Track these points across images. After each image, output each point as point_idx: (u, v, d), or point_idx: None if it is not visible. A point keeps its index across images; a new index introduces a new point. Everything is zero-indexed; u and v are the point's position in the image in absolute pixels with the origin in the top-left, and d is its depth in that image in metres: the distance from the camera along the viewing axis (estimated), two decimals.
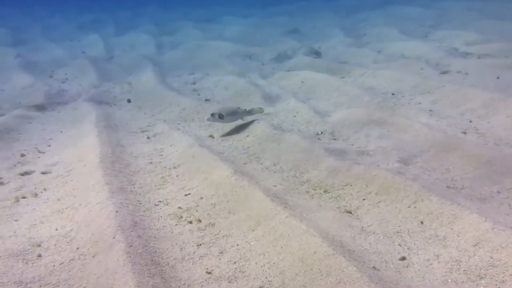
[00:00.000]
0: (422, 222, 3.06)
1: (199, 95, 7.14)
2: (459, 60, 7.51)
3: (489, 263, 2.55)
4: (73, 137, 5.08)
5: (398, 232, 3.03)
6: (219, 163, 4.11)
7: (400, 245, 2.89)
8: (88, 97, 6.83)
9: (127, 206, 3.33)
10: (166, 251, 2.90)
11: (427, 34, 10.56)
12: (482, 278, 2.48)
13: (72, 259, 2.82)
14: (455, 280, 2.51)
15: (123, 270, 2.50)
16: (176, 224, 3.30)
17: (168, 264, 2.76)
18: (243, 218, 3.26)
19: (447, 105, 5.58)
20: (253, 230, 3.10)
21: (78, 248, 2.92)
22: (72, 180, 3.91)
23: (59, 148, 4.80)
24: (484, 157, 3.91)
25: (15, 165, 4.31)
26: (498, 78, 6.36)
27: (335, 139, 4.98)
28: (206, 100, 6.77)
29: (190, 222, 3.33)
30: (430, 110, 5.47)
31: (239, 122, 5.44)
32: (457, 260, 2.65)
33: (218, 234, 3.15)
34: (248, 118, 5.52)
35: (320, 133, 5.20)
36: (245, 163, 4.44)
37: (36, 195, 3.70)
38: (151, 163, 4.46)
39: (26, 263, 2.82)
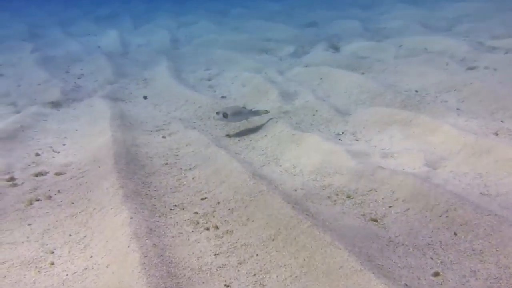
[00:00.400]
0: (455, 234, 2.86)
1: (215, 91, 6.99)
2: (486, 55, 7.18)
3: None
4: (88, 136, 4.98)
5: (429, 244, 2.83)
6: (237, 165, 3.95)
7: (432, 258, 2.70)
8: (104, 93, 6.74)
9: (142, 212, 3.21)
10: (182, 261, 2.77)
11: (451, 27, 10.18)
12: None
13: (86, 268, 2.71)
14: None
15: (138, 284, 2.37)
16: (192, 231, 3.17)
17: (184, 275, 2.62)
18: (263, 226, 3.10)
19: (475, 104, 5.31)
20: (273, 240, 2.94)
21: (91, 256, 2.81)
22: (86, 182, 3.81)
23: (73, 148, 4.71)
24: None
25: (29, 165, 4.23)
26: None
27: (357, 140, 4.77)
28: (222, 97, 6.61)
29: (207, 229, 3.19)
30: (457, 109, 5.21)
31: (257, 121, 5.28)
32: (496, 278, 2.45)
33: (237, 242, 3.00)
34: (255, 119, 5.34)
35: (341, 133, 5.00)
36: (263, 165, 4.28)
37: (50, 197, 3.60)
38: (166, 164, 4.33)
39: (38, 271, 2.71)
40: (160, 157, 4.49)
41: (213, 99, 6.19)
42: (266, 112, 5.32)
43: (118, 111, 5.69)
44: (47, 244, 2.97)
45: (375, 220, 3.19)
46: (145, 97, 6.77)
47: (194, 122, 5.56)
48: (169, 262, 2.69)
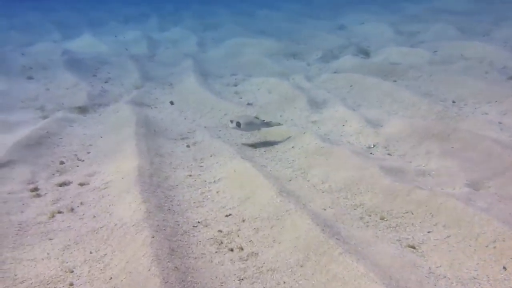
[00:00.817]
0: (505, 268, 2.60)
1: (241, 98, 6.84)
2: None
3: None
4: (112, 144, 4.92)
5: (475, 278, 2.58)
6: (263, 180, 3.78)
7: None
8: (129, 98, 6.70)
9: (164, 229, 3.08)
10: (205, 286, 2.61)
11: (489, 32, 9.71)
12: None
13: None
14: None
15: None
16: (216, 252, 3.01)
17: None
18: (290, 250, 2.91)
19: None
20: (301, 266, 2.75)
21: (111, 278, 2.69)
22: (109, 195, 3.72)
23: (98, 156, 4.64)
24: None
25: (53, 174, 4.18)
26: None
27: (390, 155, 4.52)
28: (248, 104, 6.45)
29: (231, 250, 3.03)
30: (499, 123, 4.87)
31: (284, 131, 5.09)
32: None
33: (262, 267, 2.83)
34: (282, 128, 5.16)
35: (372, 146, 4.75)
36: (290, 180, 4.09)
37: (72, 209, 3.53)
38: (190, 176, 4.20)
39: None
40: (184, 168, 4.37)
41: (239, 106, 6.04)
42: (279, 124, 5.10)
43: (143, 117, 5.61)
44: (67, 262, 2.87)
45: (413, 247, 2.95)
46: (171, 103, 6.69)
47: (219, 131, 5.43)
48: None
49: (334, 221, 3.30)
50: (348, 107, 5.84)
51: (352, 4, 16.83)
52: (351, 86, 6.87)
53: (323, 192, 3.83)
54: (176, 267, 2.67)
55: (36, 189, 3.82)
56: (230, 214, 3.49)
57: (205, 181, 4.11)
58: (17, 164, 4.19)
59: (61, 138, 5.10)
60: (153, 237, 2.90)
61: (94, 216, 3.42)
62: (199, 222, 3.38)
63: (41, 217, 3.40)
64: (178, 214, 3.45)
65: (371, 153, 4.56)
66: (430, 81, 6.75)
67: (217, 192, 3.88)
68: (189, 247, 3.02)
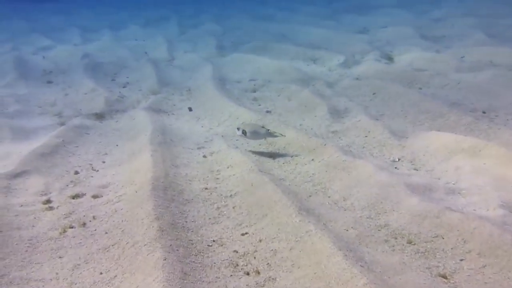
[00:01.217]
0: None
1: (259, 105, 6.67)
2: None
3: None
4: (128, 153, 4.82)
5: None
6: (281, 196, 3.60)
7: None
8: (147, 105, 6.61)
9: (177, 250, 2.93)
10: None
11: None
12: None
13: None
14: None
15: None
16: (231, 275, 2.84)
17: None
18: (310, 276, 2.72)
19: None
20: None
21: None
22: (122, 209, 3.59)
23: (112, 166, 4.55)
24: None
25: (67, 185, 4.09)
26: None
27: (416, 170, 4.27)
28: (267, 112, 6.28)
29: (247, 274, 2.86)
30: None
31: (304, 141, 4.90)
32: None
33: None
34: (298, 138, 4.98)
35: (397, 160, 4.52)
36: (310, 195, 3.89)
37: (84, 224, 3.42)
38: (206, 189, 4.05)
39: None
40: (200, 180, 4.22)
41: (257, 114, 5.87)
42: (282, 135, 4.90)
43: (159, 126, 5.50)
44: (75, 284, 2.75)
45: (444, 277, 2.72)
46: (190, 109, 6.57)
47: (237, 140, 5.27)
48: None
49: (358, 244, 3.09)
50: (370, 116, 5.61)
51: (373, 7, 16.46)
52: (374, 93, 6.62)
53: (345, 210, 3.63)
54: None
55: (48, 201, 3.74)
56: (246, 233, 3.32)
57: (221, 195, 3.95)
58: (31, 174, 4.12)
59: (76, 146, 5.03)
60: (165, 259, 2.76)
61: (106, 232, 3.30)
62: (214, 241, 3.23)
63: (52, 232, 3.30)
64: (192, 231, 3.30)
65: (396, 168, 4.33)
66: (457, 90, 6.45)
67: (233, 207, 3.72)
68: (202, 269, 2.86)
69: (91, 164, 4.60)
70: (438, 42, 9.94)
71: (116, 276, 2.80)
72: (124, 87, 8.06)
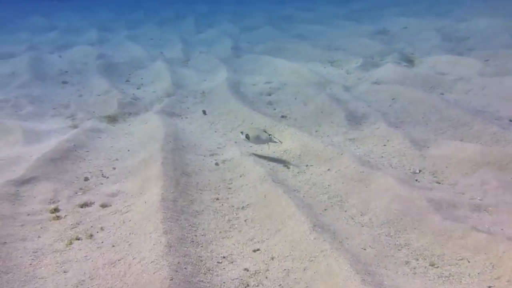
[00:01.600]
0: None
1: (274, 109, 6.50)
2: None
3: None
4: (139, 159, 4.71)
5: None
6: (295, 211, 3.43)
7: None
8: (160, 108, 6.51)
9: (185, 268, 2.79)
10: None
11: None
12: None
13: None
14: None
15: None
16: None
17: None
18: None
19: None
20: None
21: None
22: (130, 220, 3.48)
23: (123, 173, 4.44)
24: None
25: (76, 193, 4.00)
26: None
27: (439, 183, 4.05)
28: (282, 116, 6.11)
29: None
30: None
31: (320, 150, 4.71)
32: None
33: None
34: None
35: (418, 171, 4.30)
36: (325, 209, 3.72)
37: (91, 236, 3.32)
38: (217, 199, 3.91)
39: None
40: (211, 190, 4.09)
41: (272, 119, 5.70)
42: (280, 142, 4.80)
43: (172, 131, 5.39)
44: None
45: None
46: (204, 112, 6.44)
47: (250, 147, 5.11)
48: None
49: (376, 265, 2.91)
50: (390, 123, 5.39)
51: (393, 6, 16.09)
52: (393, 99, 6.39)
53: (362, 226, 3.44)
54: None
55: (56, 209, 3.65)
56: (258, 249, 3.17)
57: (233, 206, 3.81)
58: (40, 181, 4.05)
59: (87, 151, 4.95)
60: (172, 279, 2.62)
61: (113, 246, 3.18)
62: (224, 257, 3.08)
63: (58, 244, 3.20)
64: (202, 246, 3.16)
65: (416, 180, 4.12)
66: (482, 96, 6.17)
67: (245, 220, 3.57)
68: None
69: (101, 171, 4.51)
70: (461, 44, 9.61)
71: None
72: (138, 88, 7.99)
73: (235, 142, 5.23)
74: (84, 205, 3.77)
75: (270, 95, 7.23)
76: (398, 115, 5.84)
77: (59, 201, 3.81)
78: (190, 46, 12.57)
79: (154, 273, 2.72)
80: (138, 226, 3.35)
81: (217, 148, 5.12)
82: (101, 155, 4.92)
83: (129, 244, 3.16)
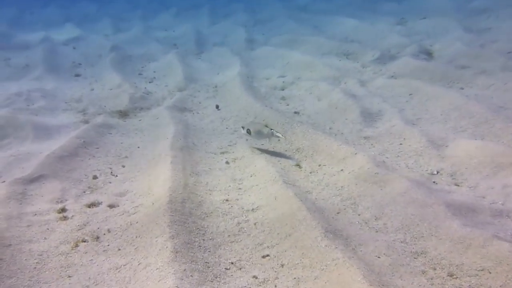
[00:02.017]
0: None
1: (287, 105, 6.35)
2: None
3: None
4: (148, 157, 4.64)
5: None
6: (306, 215, 3.31)
7: None
8: (171, 103, 6.43)
9: (191, 275, 2.71)
10: None
11: None
12: None
13: None
14: None
15: None
16: None
17: None
18: None
19: None
20: None
21: None
22: (137, 222, 3.41)
23: (132, 171, 4.38)
24: None
25: (84, 192, 3.96)
26: None
27: (458, 185, 3.87)
28: (295, 113, 5.96)
29: None
30: None
31: (335, 149, 4.56)
32: None
33: None
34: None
35: (436, 172, 4.12)
36: (338, 212, 3.58)
37: (97, 238, 3.26)
38: (227, 200, 3.82)
39: None
40: (221, 191, 3.99)
41: (284, 116, 5.54)
42: (283, 136, 4.70)
43: (182, 127, 5.30)
44: None
45: None
46: (217, 107, 6.33)
47: (262, 145, 4.99)
48: None
49: (391, 275, 2.78)
50: (406, 121, 5.20)
51: None
52: (410, 94, 6.17)
53: (376, 232, 3.30)
54: None
55: (63, 209, 3.60)
56: (267, 255, 3.06)
57: (243, 208, 3.71)
58: (48, 179, 4.01)
59: (97, 148, 4.90)
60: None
61: (119, 249, 3.12)
62: (232, 263, 2.99)
63: (64, 246, 3.15)
64: (209, 252, 3.08)
65: (434, 182, 3.94)
66: (504, 91, 5.90)
67: (255, 223, 3.47)
68: None
69: (110, 168, 4.45)
70: (482, 36, 9.23)
71: None
72: (150, 82, 7.92)
73: (247, 140, 5.11)
74: (91, 205, 3.72)
75: (283, 89, 7.08)
76: (415, 112, 5.63)
77: (66, 200, 3.77)
78: (204, 37, 12.45)
79: (159, 281, 2.64)
80: (145, 228, 3.28)
81: (228, 145, 5.02)
82: (110, 152, 4.86)
83: (135, 248, 3.09)
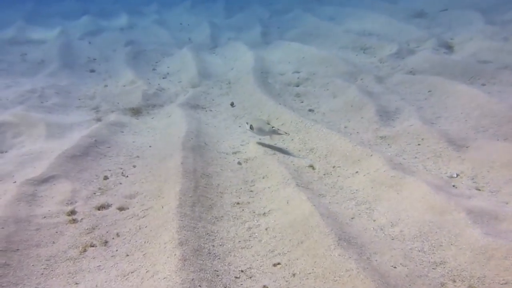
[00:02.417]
0: None
1: (302, 102, 6.21)
2: None
3: None
4: (159, 157, 4.58)
5: None
6: (319, 221, 3.19)
7: None
8: (184, 100, 6.36)
9: (199, 286, 2.63)
10: None
11: None
12: None
13: None
14: None
15: None
16: None
17: None
18: None
19: None
20: None
21: None
22: (146, 226, 3.36)
23: (142, 172, 4.32)
24: None
25: (94, 193, 3.92)
26: None
27: (479, 190, 3.70)
28: (310, 110, 5.82)
29: None
30: None
31: (348, 150, 4.43)
32: None
33: None
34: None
35: (455, 175, 3.95)
36: (352, 218, 3.46)
37: (106, 243, 3.22)
38: (238, 203, 3.73)
39: None
40: (232, 193, 3.90)
41: (298, 115, 5.40)
42: (286, 134, 4.73)
43: (194, 126, 5.22)
44: None
45: None
46: (232, 104, 6.23)
47: (275, 144, 4.88)
48: None
49: None
50: (425, 120, 5.01)
51: None
52: (429, 91, 5.96)
53: (392, 239, 3.17)
54: None
55: (73, 212, 3.57)
56: (279, 263, 2.97)
57: (254, 212, 3.62)
58: (59, 180, 3.98)
59: (109, 147, 4.86)
60: None
61: (127, 255, 3.07)
62: (242, 271, 2.91)
63: (72, 251, 3.12)
64: (219, 259, 3.00)
65: (453, 186, 3.78)
66: None
67: (266, 229, 3.38)
68: None
69: (121, 168, 4.41)
70: (506, 28, 8.86)
71: None
72: (164, 78, 7.87)
73: (260, 139, 5.01)
74: (101, 207, 3.68)
75: (298, 86, 6.93)
76: (434, 110, 5.43)
77: (76, 202, 3.73)
78: (218, 31, 12.34)
79: None
80: (153, 233, 3.22)
81: (240, 145, 4.93)
82: (122, 151, 4.82)
83: (144, 255, 3.03)
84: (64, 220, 3.47)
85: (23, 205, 3.52)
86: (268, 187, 3.95)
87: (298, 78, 7.19)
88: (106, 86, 7.38)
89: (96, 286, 2.78)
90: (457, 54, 7.64)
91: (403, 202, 3.52)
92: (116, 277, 2.85)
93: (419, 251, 3.02)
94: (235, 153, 4.73)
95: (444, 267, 2.85)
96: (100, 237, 3.28)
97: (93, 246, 3.17)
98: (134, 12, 15.80)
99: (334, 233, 3.04)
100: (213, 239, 3.20)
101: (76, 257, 3.06)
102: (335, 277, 2.70)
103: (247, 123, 4.86)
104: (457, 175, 3.96)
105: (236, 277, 2.85)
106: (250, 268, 2.95)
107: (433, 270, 2.84)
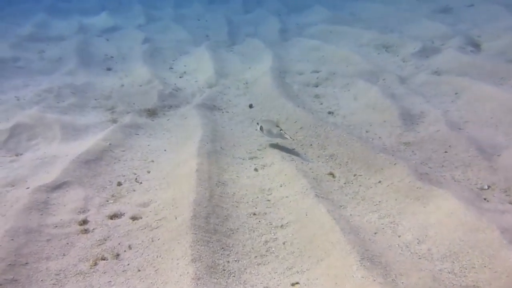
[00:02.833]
0: None
1: (321, 104, 6.00)
2: None
3: None
4: (174, 163, 4.45)
5: None
6: (340, 237, 3.01)
7: None
8: (200, 101, 6.22)
9: None
10: None
11: None
12: None
13: None
14: None
15: None
16: None
17: None
18: None
19: None
20: None
21: None
22: (159, 239, 3.23)
23: (157, 178, 4.20)
24: None
25: (107, 201, 3.81)
26: None
27: None
28: (329, 113, 5.61)
29: None
30: None
31: (370, 158, 4.21)
32: None
33: None
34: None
35: (486, 187, 3.71)
36: (375, 233, 3.27)
37: (117, 256, 3.10)
38: (254, 214, 3.57)
39: None
40: (248, 203, 3.75)
41: (317, 118, 5.20)
42: (291, 139, 4.55)
43: (210, 129, 5.08)
44: None
45: None
46: (250, 106, 6.06)
47: (293, 149, 4.70)
48: None
49: None
50: (452, 125, 4.75)
51: None
52: (456, 93, 5.67)
53: (419, 259, 2.97)
54: None
55: (85, 221, 3.47)
56: (297, 283, 2.81)
57: (271, 223, 3.46)
58: (72, 186, 3.89)
59: (123, 151, 4.76)
60: None
61: (139, 270, 2.95)
62: None
63: (83, 264, 3.01)
64: (234, 276, 2.85)
65: (485, 199, 3.54)
66: None
67: (284, 243, 3.21)
68: None
69: (135, 174, 4.30)
70: None
71: None
72: (180, 77, 7.74)
73: (277, 143, 4.83)
74: (114, 216, 3.57)
75: (317, 86, 6.72)
76: (462, 114, 5.16)
77: (89, 210, 3.64)
78: (236, 28, 12.15)
79: None
80: (166, 247, 3.09)
81: (257, 150, 4.76)
82: (137, 155, 4.71)
83: (156, 270, 2.90)
84: (75, 230, 3.37)
85: (34, 214, 3.43)
86: (286, 197, 3.78)
87: (317, 78, 6.97)
88: (122, 85, 7.29)
89: None
90: (485, 52, 7.30)
91: (430, 217, 3.31)
92: None
93: (449, 272, 2.82)
94: (252, 158, 4.57)
95: None
96: (111, 249, 3.17)
97: (104, 260, 3.06)
98: (152, 8, 15.72)
99: (356, 252, 2.85)
100: (228, 254, 3.06)
101: (87, 271, 2.95)
102: None
103: (257, 123, 4.82)
104: (489, 186, 3.71)
105: None
106: (267, 287, 2.80)
107: None
